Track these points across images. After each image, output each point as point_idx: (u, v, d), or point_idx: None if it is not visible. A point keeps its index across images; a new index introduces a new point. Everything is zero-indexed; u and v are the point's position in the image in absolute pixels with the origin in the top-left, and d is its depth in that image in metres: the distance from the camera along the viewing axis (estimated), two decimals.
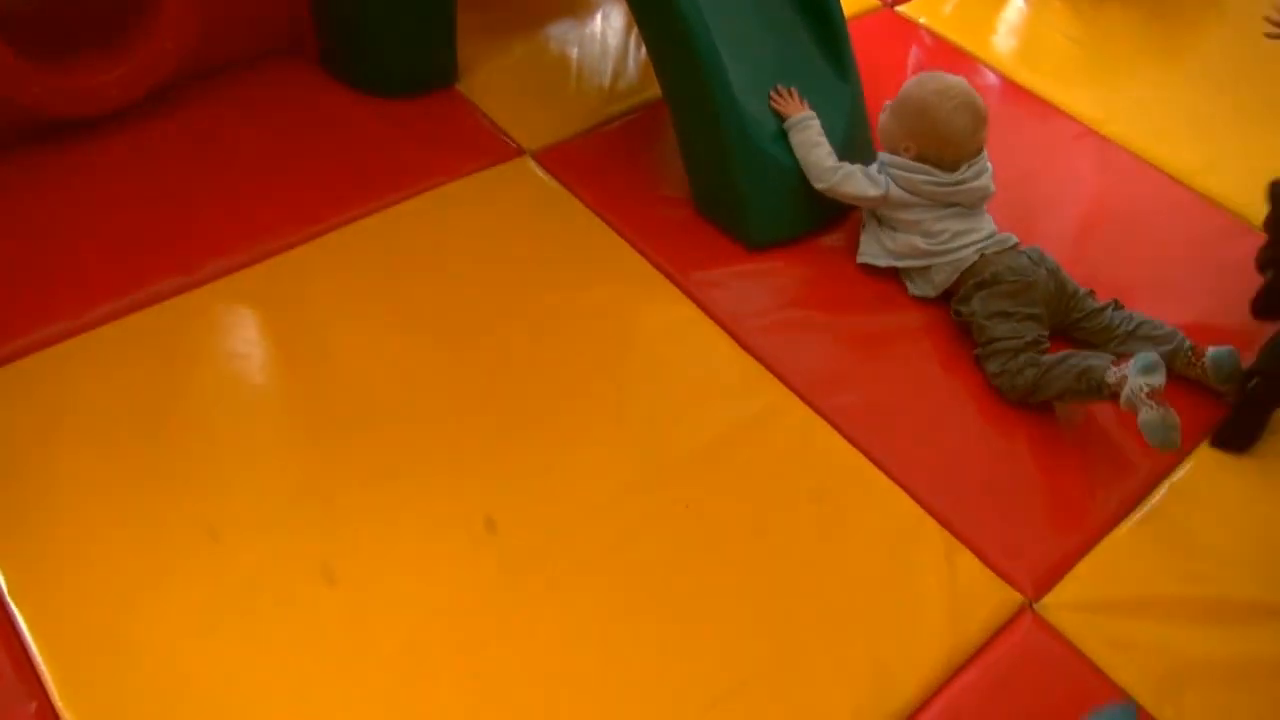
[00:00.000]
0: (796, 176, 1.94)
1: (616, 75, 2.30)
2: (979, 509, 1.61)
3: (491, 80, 2.23)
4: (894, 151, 1.89)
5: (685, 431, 1.65)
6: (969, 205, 1.88)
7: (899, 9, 2.66)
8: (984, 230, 1.87)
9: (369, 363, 1.68)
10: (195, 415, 1.57)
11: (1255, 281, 1.82)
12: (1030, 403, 1.73)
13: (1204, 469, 1.72)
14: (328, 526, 1.46)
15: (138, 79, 1.91)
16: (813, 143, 1.90)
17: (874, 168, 1.91)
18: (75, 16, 1.87)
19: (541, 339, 1.76)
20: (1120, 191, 2.20)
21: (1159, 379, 1.58)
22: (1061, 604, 1.51)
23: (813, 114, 1.92)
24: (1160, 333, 1.80)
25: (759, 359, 1.77)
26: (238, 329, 1.71)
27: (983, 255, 1.83)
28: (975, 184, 1.86)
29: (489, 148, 2.08)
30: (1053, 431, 1.73)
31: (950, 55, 2.51)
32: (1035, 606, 1.51)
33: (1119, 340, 1.80)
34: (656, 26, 1.89)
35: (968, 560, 1.54)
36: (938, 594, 1.50)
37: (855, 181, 1.88)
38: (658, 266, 1.90)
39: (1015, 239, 1.88)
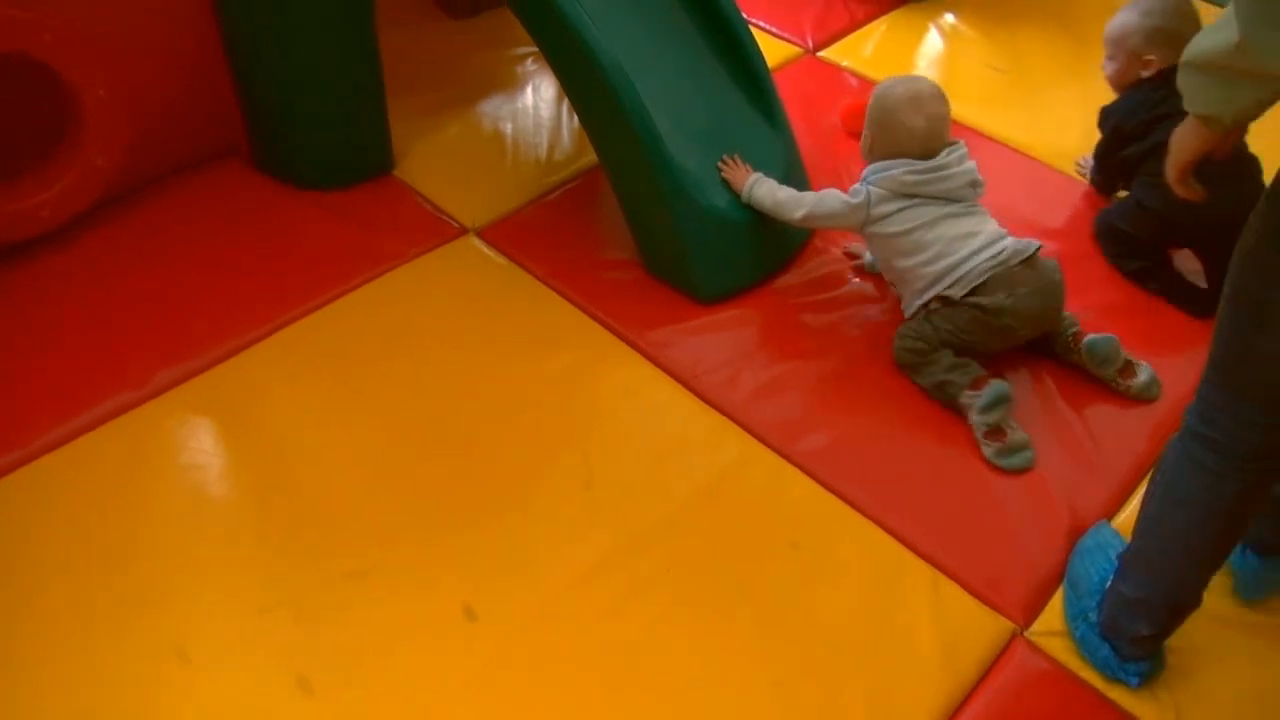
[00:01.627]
0: (740, 227, 1.96)
1: (552, 146, 2.32)
2: (960, 540, 1.60)
3: (428, 162, 2.24)
4: (871, 158, 1.87)
5: (657, 495, 1.64)
6: (959, 197, 1.79)
7: (821, 54, 2.73)
8: (986, 233, 1.78)
9: (330, 460, 1.65)
10: (156, 534, 1.53)
11: None
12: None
13: None
14: (300, 635, 1.42)
15: (69, 199, 1.90)
16: (774, 189, 1.92)
17: (855, 187, 1.86)
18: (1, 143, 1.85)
19: (503, 416, 1.74)
20: (1053, 214, 2.24)
21: (994, 416, 1.71)
22: (1052, 629, 1.50)
23: (760, 173, 1.95)
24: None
25: (723, 412, 1.77)
26: (192, 440, 1.67)
27: (994, 270, 1.74)
28: (959, 169, 1.79)
29: (432, 230, 2.07)
30: (1006, 471, 1.73)
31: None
32: (1027, 633, 1.50)
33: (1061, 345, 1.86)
34: (585, 95, 1.91)
35: (954, 593, 1.53)
36: (928, 630, 1.48)
37: (832, 198, 1.87)
38: (613, 331, 1.90)
39: (1036, 244, 1.80)
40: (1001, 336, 1.79)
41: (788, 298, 1.99)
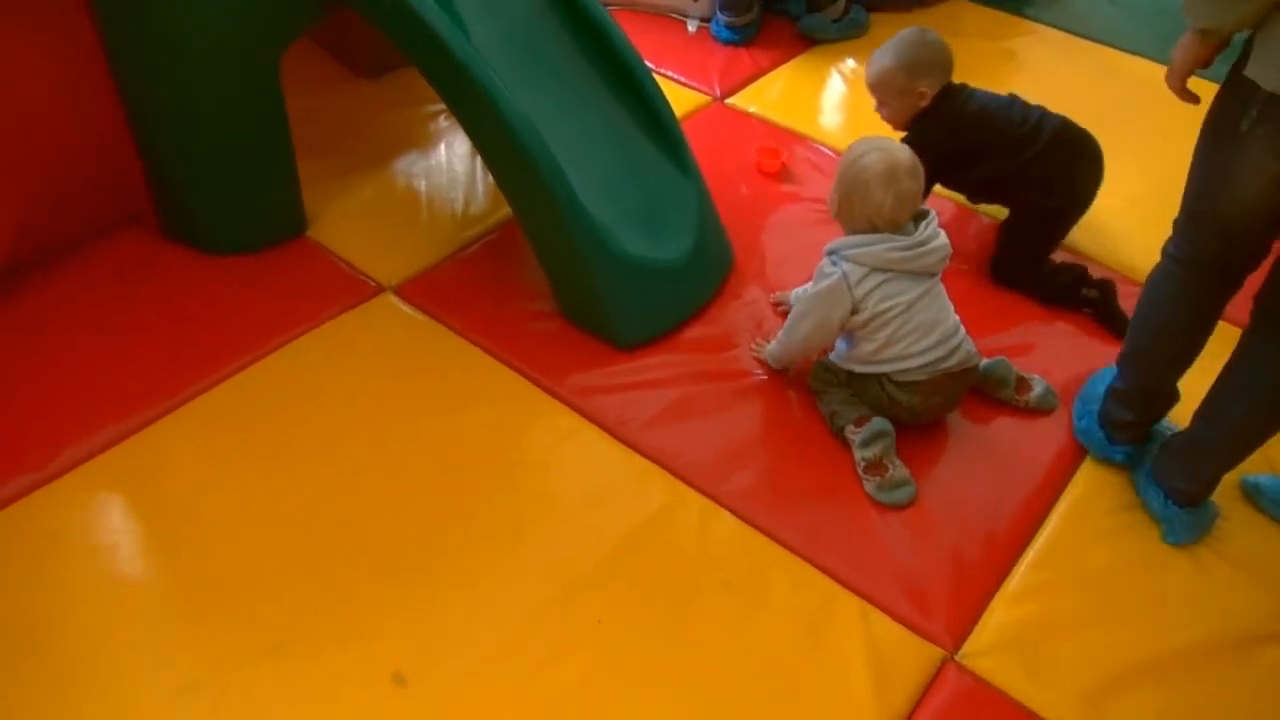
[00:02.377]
0: (656, 273, 1.98)
1: (467, 200, 2.33)
2: (885, 570, 1.62)
3: (342, 223, 2.22)
4: (839, 219, 1.81)
5: (586, 544, 1.63)
6: (933, 271, 1.77)
7: (729, 101, 2.79)
8: (943, 329, 1.77)
9: (246, 532, 1.61)
10: (67, 618, 1.47)
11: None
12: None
13: (1085, 493, 1.79)
14: (223, 714, 1.37)
15: None
16: (776, 342, 1.91)
17: (825, 264, 1.79)
18: None
19: (427, 474, 1.72)
20: (960, 248, 2.30)
21: (873, 451, 1.75)
22: (980, 650, 1.53)
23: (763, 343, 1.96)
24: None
25: (649, 457, 1.77)
26: (101, 519, 1.61)
27: (920, 380, 1.76)
28: (936, 244, 1.75)
29: (347, 290, 2.05)
30: (944, 481, 1.77)
31: (783, 137, 2.63)
32: (957, 657, 1.52)
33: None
34: (495, 150, 1.93)
35: (884, 623, 1.55)
36: (861, 661, 1.49)
37: (813, 303, 1.79)
38: (535, 382, 1.90)
39: (978, 360, 1.83)
40: (904, 413, 1.80)
41: (708, 340, 2.01)
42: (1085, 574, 1.66)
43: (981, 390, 1.93)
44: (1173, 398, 1.78)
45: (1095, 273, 2.20)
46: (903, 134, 2.17)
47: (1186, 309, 1.67)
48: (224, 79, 1.91)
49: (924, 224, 1.76)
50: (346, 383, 1.87)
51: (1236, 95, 1.40)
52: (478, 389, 1.88)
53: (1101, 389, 1.86)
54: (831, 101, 2.83)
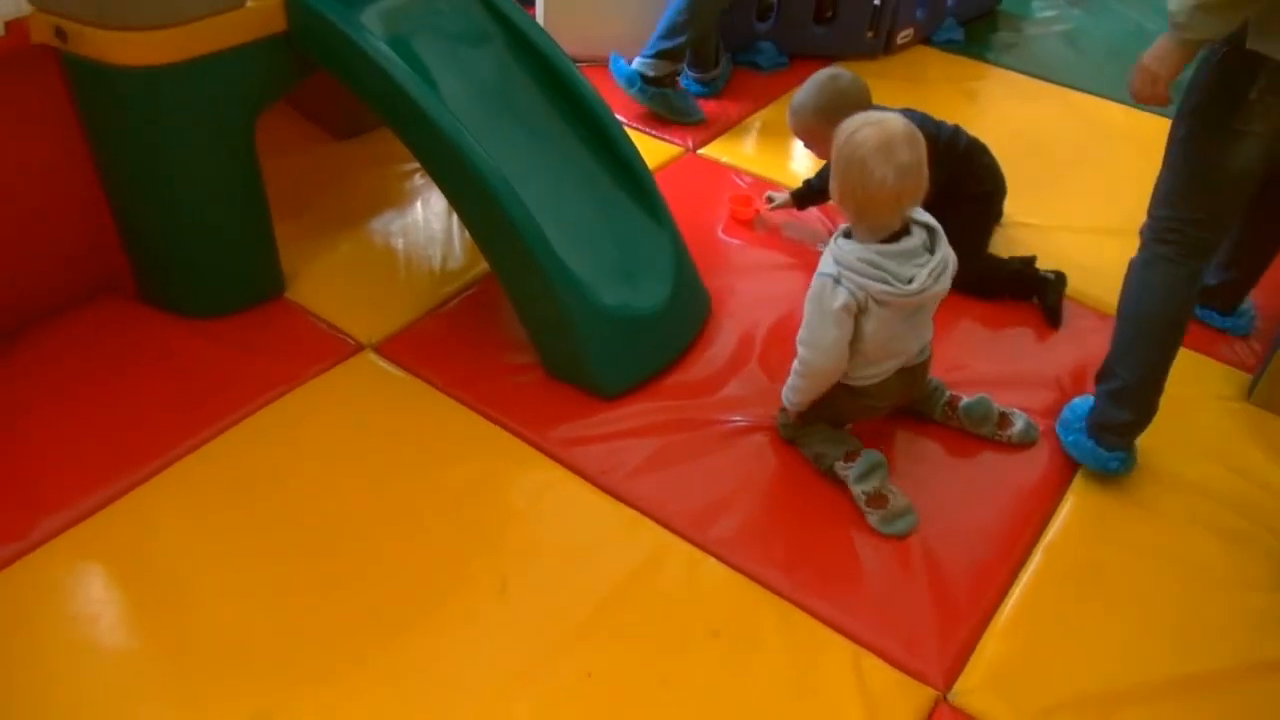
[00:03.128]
0: (635, 322, 2.00)
1: (444, 256, 2.34)
2: (874, 611, 1.62)
3: (320, 282, 2.23)
4: (843, 206, 1.69)
5: (573, 597, 1.62)
6: (923, 304, 1.73)
7: (701, 152, 2.84)
8: (916, 345, 1.78)
9: (229, 597, 1.59)
10: (47, 690, 1.44)
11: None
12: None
13: (1070, 524, 1.80)
14: None
15: None
16: (789, 386, 1.82)
17: (828, 264, 1.68)
18: None
19: (412, 531, 1.71)
20: None
21: (872, 484, 1.76)
22: (972, 688, 1.52)
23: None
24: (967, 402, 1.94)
25: (634, 506, 1.77)
26: (81, 589, 1.59)
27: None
28: (937, 289, 1.69)
29: (327, 349, 2.06)
30: (930, 518, 1.77)
31: (756, 185, 2.67)
32: (949, 697, 1.51)
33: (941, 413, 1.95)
34: (471, 207, 1.95)
35: (874, 665, 1.54)
36: (854, 705, 1.49)
37: (820, 330, 1.70)
38: (518, 435, 1.90)
39: (927, 351, 1.84)
40: (865, 411, 1.85)
41: (688, 386, 2.02)
42: (1073, 605, 1.66)
43: (964, 428, 1.94)
44: (1161, 387, 1.83)
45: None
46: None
47: (1182, 288, 1.76)
48: (200, 146, 1.93)
49: (928, 273, 1.65)
50: (329, 442, 1.86)
51: (1239, 70, 1.56)
52: (461, 443, 1.88)
53: (1084, 410, 1.91)
54: (801, 148, 2.87)
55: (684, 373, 2.06)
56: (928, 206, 2.30)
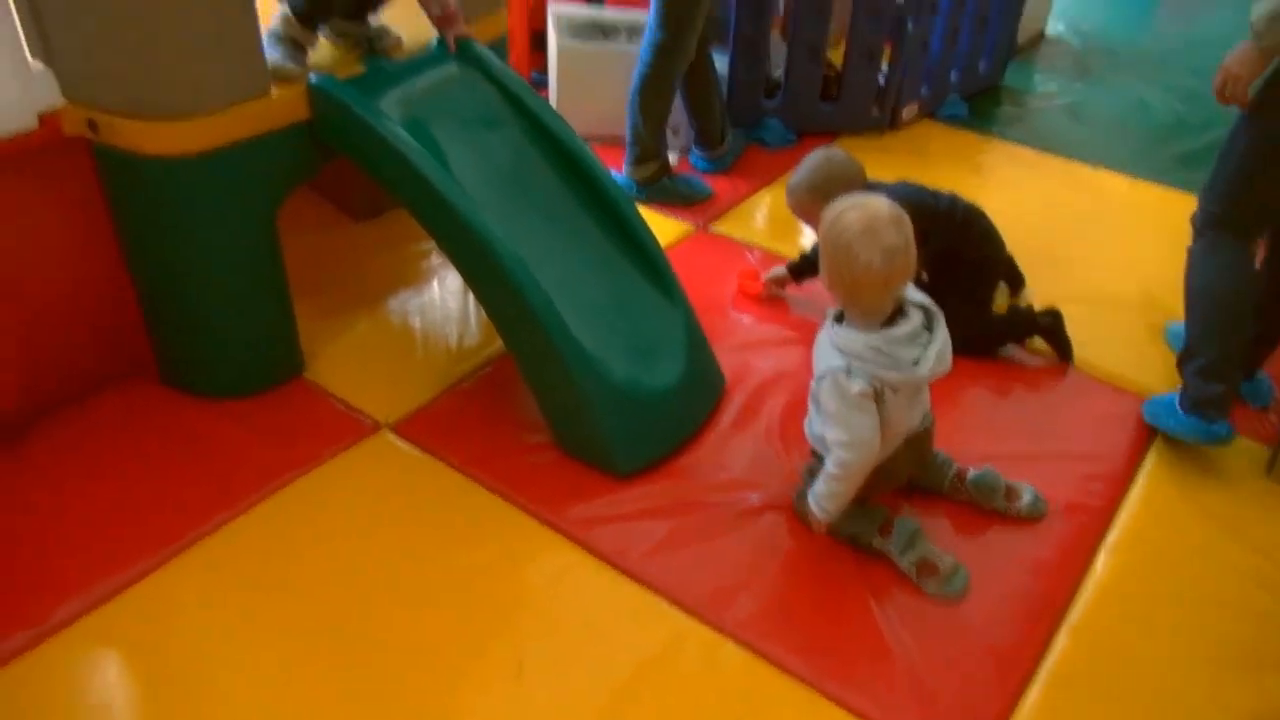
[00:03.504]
0: (649, 399, 2.01)
1: (461, 335, 2.37)
2: (899, 699, 1.60)
3: (338, 362, 2.25)
4: (834, 292, 1.68)
5: (591, 681, 1.60)
6: (921, 385, 1.75)
7: (712, 227, 2.88)
8: (918, 416, 1.79)
9: (246, 683, 1.58)
10: None
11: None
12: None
13: (1092, 604, 1.78)
14: None
15: None
16: (818, 492, 1.76)
17: (832, 356, 1.68)
18: None
19: (429, 612, 1.70)
20: None
21: (917, 553, 1.77)
22: None
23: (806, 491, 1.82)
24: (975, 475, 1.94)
25: (652, 588, 1.76)
26: (97, 677, 1.58)
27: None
28: (939, 369, 1.67)
29: (345, 429, 2.07)
30: (947, 601, 1.76)
31: (767, 260, 2.70)
32: None
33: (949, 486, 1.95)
34: (486, 287, 1.98)
35: None
36: None
37: (847, 421, 1.66)
38: (535, 515, 1.90)
39: (930, 420, 1.85)
40: (881, 488, 1.84)
41: (703, 465, 2.03)
42: (1102, 686, 1.64)
43: (972, 500, 1.94)
44: (1244, 354, 2.09)
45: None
46: None
47: (1245, 264, 2.04)
48: (225, 231, 1.97)
49: (923, 348, 1.65)
50: (347, 524, 1.87)
51: None
52: (477, 524, 1.88)
53: (1168, 401, 2.11)
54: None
55: (698, 450, 2.06)
56: (931, 273, 2.36)
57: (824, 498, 1.74)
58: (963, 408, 2.21)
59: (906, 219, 1.62)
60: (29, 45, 1.77)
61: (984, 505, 1.94)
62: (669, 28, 2.71)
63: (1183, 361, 2.10)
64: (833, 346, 1.68)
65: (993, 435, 2.14)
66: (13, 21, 1.71)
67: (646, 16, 2.78)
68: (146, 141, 1.82)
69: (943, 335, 1.70)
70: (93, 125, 1.82)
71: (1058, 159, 3.38)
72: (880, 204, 1.62)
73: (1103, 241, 2.89)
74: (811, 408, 1.80)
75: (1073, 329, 2.40)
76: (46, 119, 1.80)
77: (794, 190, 2.34)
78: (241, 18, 1.81)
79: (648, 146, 2.91)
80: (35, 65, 1.78)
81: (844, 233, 1.60)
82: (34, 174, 1.83)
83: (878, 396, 1.66)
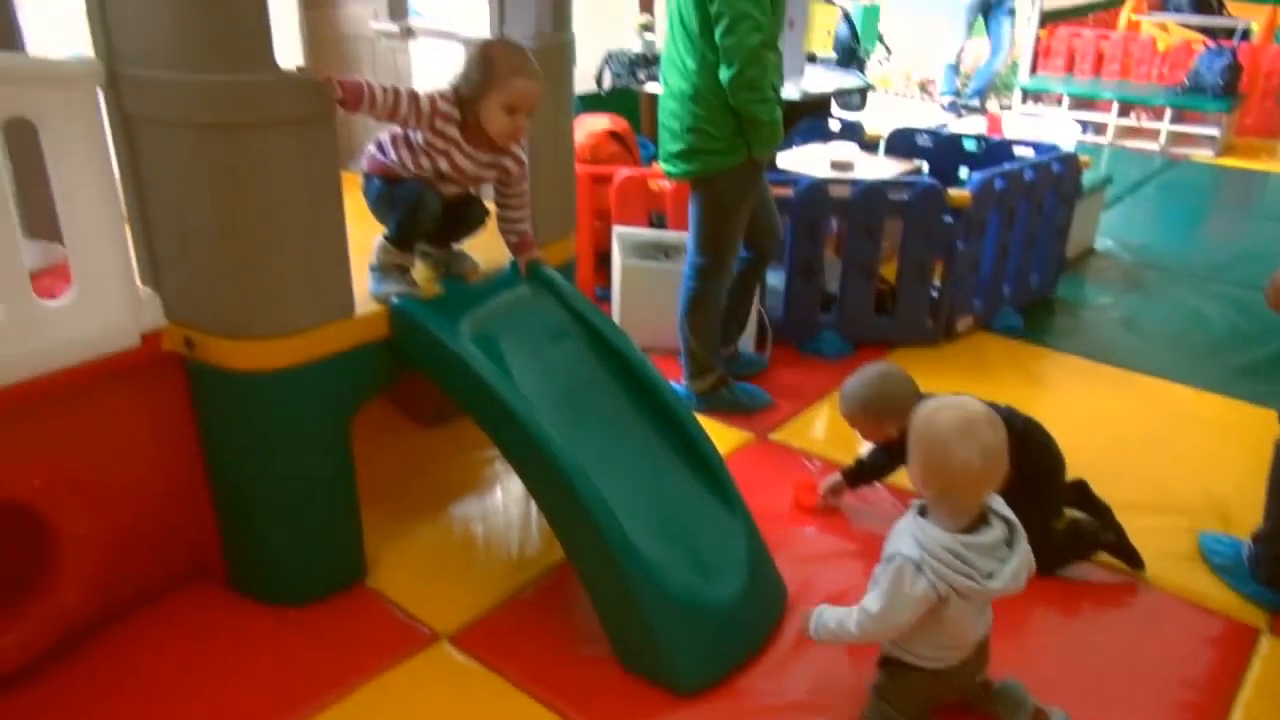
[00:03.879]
0: (710, 614, 1.97)
1: (522, 543, 2.38)
2: None
3: (400, 569, 2.27)
4: (926, 492, 1.68)
5: None
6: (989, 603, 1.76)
7: (772, 437, 2.91)
8: (981, 631, 1.77)
9: None
10: None
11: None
12: None
13: None
14: None
15: (37, 637, 1.88)
16: (830, 620, 1.81)
17: (908, 545, 1.67)
18: None
19: None
20: None
21: None
22: None
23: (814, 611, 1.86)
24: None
25: None
26: None
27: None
28: (1014, 587, 1.66)
29: (404, 639, 2.06)
30: None
31: (826, 469, 2.70)
32: None
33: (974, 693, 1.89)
34: (548, 495, 2.01)
35: None
36: None
37: (897, 600, 1.67)
38: None
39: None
40: (952, 693, 1.83)
41: (768, 683, 1.96)
42: None
43: (995, 713, 1.85)
44: None
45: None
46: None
47: None
48: (304, 440, 2.06)
49: (1001, 562, 1.64)
50: None
51: None
52: None
53: (1229, 550, 2.29)
54: None
55: (761, 668, 2.00)
56: None
57: (828, 632, 1.82)
58: (1029, 631, 2.12)
59: (1000, 420, 1.65)
60: (140, 273, 1.93)
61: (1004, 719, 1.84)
62: (707, 251, 2.85)
63: (1263, 541, 2.19)
64: (911, 536, 1.68)
65: (1067, 661, 2.04)
66: (128, 253, 1.88)
67: None
68: (238, 359, 1.94)
69: (1022, 553, 1.68)
70: (189, 343, 1.96)
71: (1116, 369, 3.39)
72: (975, 404, 1.67)
73: (1166, 452, 2.85)
74: (870, 589, 1.76)
75: (1142, 541, 2.33)
76: (148, 337, 1.93)
77: (848, 403, 2.39)
78: (331, 250, 1.96)
79: (701, 361, 2.99)
80: (143, 290, 1.93)
81: (940, 430, 1.63)
82: (129, 386, 1.95)
83: (942, 600, 1.63)
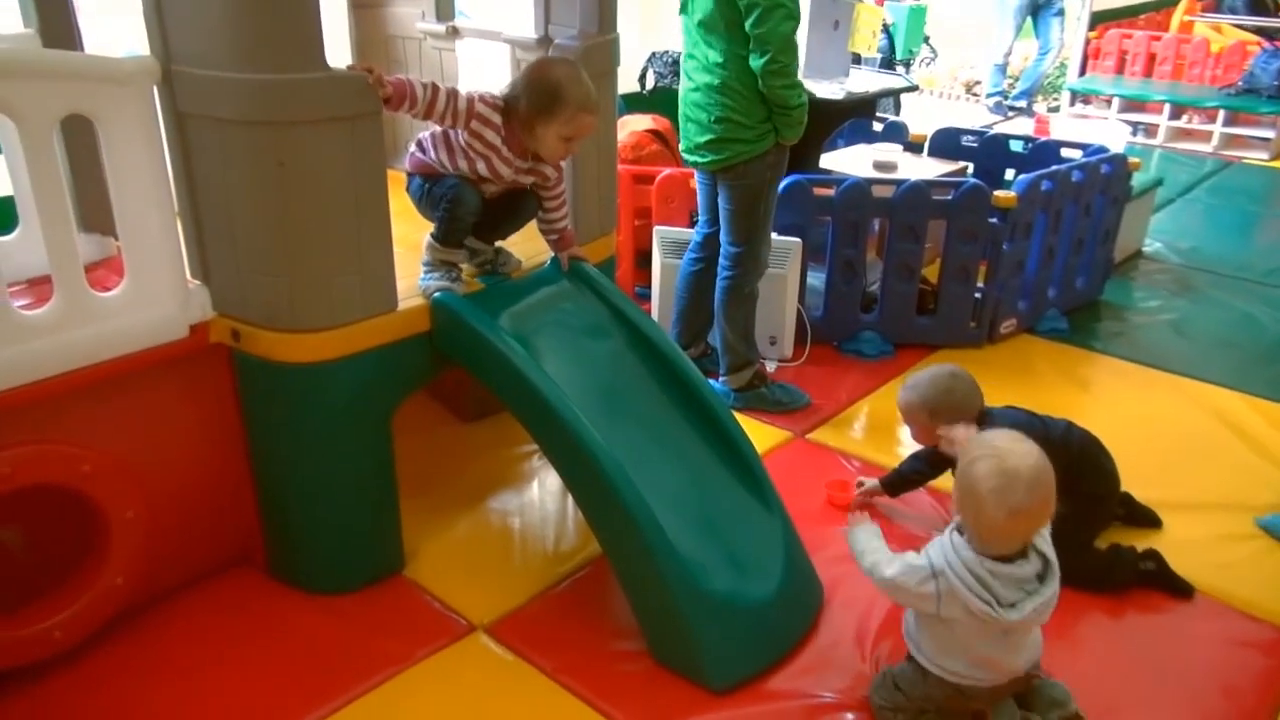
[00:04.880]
0: (745, 612, 1.97)
1: (558, 537, 2.40)
2: None
3: (438, 561, 2.30)
4: (959, 516, 1.71)
5: None
6: (1021, 633, 1.73)
7: (809, 437, 2.90)
8: (1022, 660, 1.74)
9: None
10: None
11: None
12: None
13: None
14: None
15: (84, 620, 1.93)
16: (869, 543, 1.84)
17: (937, 554, 1.71)
18: (18, 561, 1.91)
19: None
20: None
21: None
22: None
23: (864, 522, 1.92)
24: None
25: None
26: None
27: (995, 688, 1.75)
28: (1032, 619, 1.67)
29: (441, 629, 2.09)
30: None
31: (865, 469, 2.69)
32: None
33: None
34: (586, 490, 2.03)
35: None
36: None
37: (908, 571, 1.73)
38: None
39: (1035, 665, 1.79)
40: (964, 709, 1.80)
41: (802, 682, 1.96)
42: None
43: (1029, 708, 1.83)
44: None
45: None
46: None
47: None
48: (346, 431, 2.09)
49: (1028, 595, 1.65)
50: None
51: None
52: None
53: None
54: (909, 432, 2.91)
55: (796, 667, 2.00)
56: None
57: (854, 545, 1.85)
58: (1070, 632, 2.09)
59: (1048, 475, 1.63)
60: (190, 266, 1.98)
61: (1036, 715, 1.82)
62: (743, 240, 2.87)
63: None
64: (942, 550, 1.71)
65: (1108, 664, 2.02)
66: (179, 248, 1.93)
67: None
68: (283, 351, 1.98)
69: (1052, 592, 1.69)
70: (235, 334, 2.00)
71: (1164, 374, 3.32)
72: (1022, 460, 1.62)
73: (1222, 459, 2.79)
74: (903, 556, 1.78)
75: (1189, 549, 2.28)
76: (196, 329, 1.98)
77: (910, 401, 2.32)
78: (375, 245, 1.99)
79: (739, 355, 3.00)
80: (193, 283, 1.98)
81: (977, 482, 1.63)
82: (177, 376, 2.00)
83: (945, 621, 1.68)
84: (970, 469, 1.64)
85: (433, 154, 2.14)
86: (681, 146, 2.95)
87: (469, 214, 2.14)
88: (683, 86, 2.86)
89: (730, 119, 2.71)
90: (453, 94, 2.05)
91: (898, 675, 1.85)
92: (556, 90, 2.04)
